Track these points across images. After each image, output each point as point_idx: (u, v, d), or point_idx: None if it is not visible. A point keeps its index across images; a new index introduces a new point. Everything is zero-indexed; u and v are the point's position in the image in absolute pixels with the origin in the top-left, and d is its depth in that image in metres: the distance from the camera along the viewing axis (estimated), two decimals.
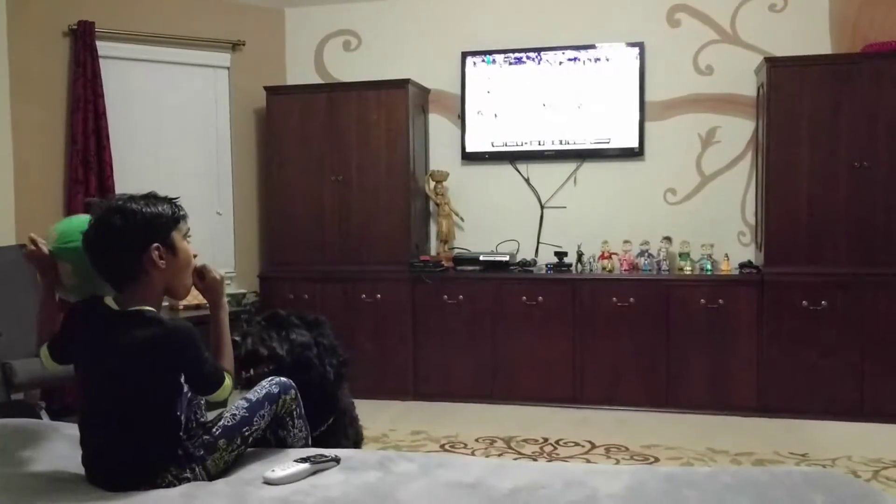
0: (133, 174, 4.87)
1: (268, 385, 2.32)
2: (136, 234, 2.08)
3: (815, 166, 4.44)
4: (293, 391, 2.36)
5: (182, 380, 2.15)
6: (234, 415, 2.19)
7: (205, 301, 2.35)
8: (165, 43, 5.04)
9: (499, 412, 4.65)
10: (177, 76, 5.14)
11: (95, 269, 2.12)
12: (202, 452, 2.11)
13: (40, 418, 3.66)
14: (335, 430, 2.81)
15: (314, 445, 2.46)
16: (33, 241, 2.18)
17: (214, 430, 2.15)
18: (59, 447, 2.30)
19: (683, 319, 4.58)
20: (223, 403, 2.24)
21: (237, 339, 2.62)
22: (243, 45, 5.34)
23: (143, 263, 2.09)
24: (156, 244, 2.09)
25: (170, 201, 2.17)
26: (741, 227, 4.95)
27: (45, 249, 2.18)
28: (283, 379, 2.36)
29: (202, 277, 2.26)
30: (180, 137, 5.17)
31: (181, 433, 2.14)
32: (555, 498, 1.90)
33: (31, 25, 4.63)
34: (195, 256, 2.24)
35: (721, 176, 4.97)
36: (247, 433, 2.19)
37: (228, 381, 2.16)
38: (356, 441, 2.94)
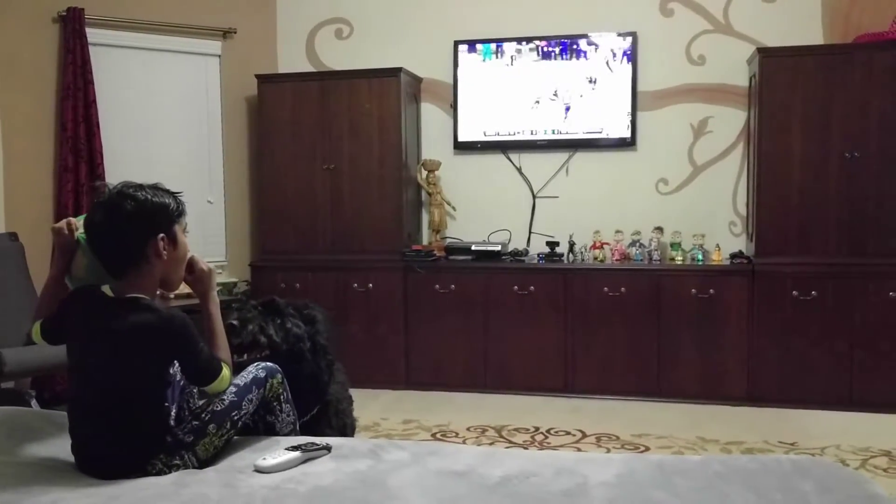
0: (123, 162, 4.84)
1: (254, 370, 2.34)
2: (145, 221, 2.10)
3: (806, 157, 4.45)
4: (279, 375, 2.40)
5: (174, 370, 2.15)
6: (223, 399, 2.20)
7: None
8: (156, 30, 5.00)
9: (490, 401, 4.66)
10: (167, 64, 5.10)
11: (97, 254, 2.12)
12: (192, 438, 2.12)
13: (30, 407, 3.65)
14: (319, 419, 2.83)
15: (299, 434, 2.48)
16: (69, 225, 2.18)
17: (204, 415, 2.16)
18: (49, 436, 2.30)
19: (674, 309, 4.59)
20: (221, 395, 2.23)
21: (235, 322, 2.63)
22: (234, 32, 5.30)
23: (146, 252, 2.10)
24: (162, 234, 2.11)
25: (172, 194, 2.19)
26: (732, 218, 4.96)
27: (75, 236, 2.18)
28: (269, 364, 2.40)
29: (191, 270, 2.28)
30: (171, 126, 5.14)
31: (171, 421, 2.13)
32: (546, 486, 1.91)
33: (19, 12, 4.59)
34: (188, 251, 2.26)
35: (713, 166, 4.97)
36: (236, 417, 2.21)
37: (226, 372, 2.18)
38: (342, 432, 2.95)
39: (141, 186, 2.14)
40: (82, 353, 2.12)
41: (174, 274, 2.21)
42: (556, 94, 5.06)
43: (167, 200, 2.16)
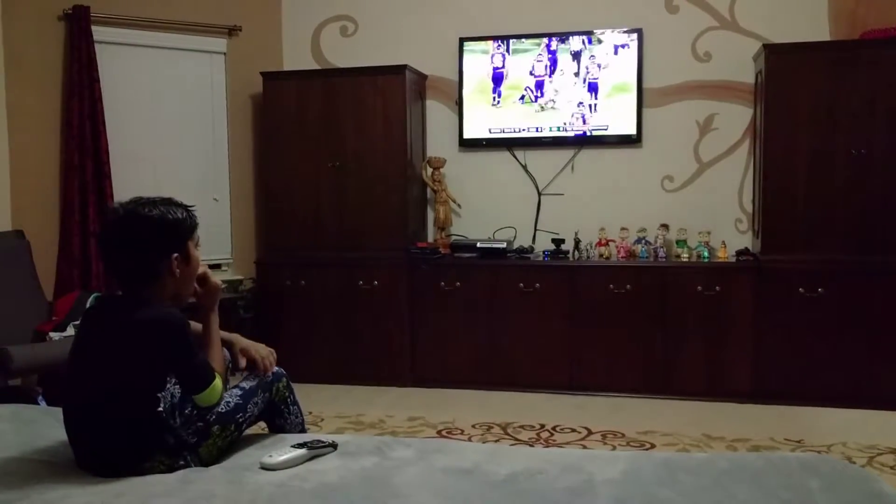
0: (129, 160, 4.86)
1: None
2: (158, 242, 2.09)
3: (812, 153, 4.43)
4: (285, 379, 2.43)
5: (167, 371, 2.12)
6: (228, 402, 2.21)
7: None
8: (161, 28, 5.01)
9: (495, 398, 4.66)
10: (173, 61, 5.11)
11: (109, 270, 2.14)
12: (195, 439, 2.11)
13: (37, 404, 3.65)
14: None
15: None
16: None
17: (209, 416, 2.15)
18: (56, 433, 2.30)
19: (680, 306, 4.58)
20: (212, 408, 2.15)
21: None
22: (240, 30, 5.30)
23: (159, 271, 2.10)
24: (176, 254, 2.10)
25: (186, 209, 2.17)
26: (738, 215, 4.95)
27: None
28: (275, 368, 2.43)
29: (202, 283, 2.26)
30: (176, 123, 5.14)
31: (174, 421, 2.12)
32: (551, 483, 1.91)
33: (25, 10, 4.59)
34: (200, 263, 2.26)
35: (718, 163, 4.96)
36: (240, 419, 2.22)
37: (219, 383, 2.13)
38: None
39: (153, 203, 2.11)
40: (79, 349, 2.14)
41: (185, 289, 2.20)
42: (561, 91, 5.05)
43: (180, 216, 2.13)
